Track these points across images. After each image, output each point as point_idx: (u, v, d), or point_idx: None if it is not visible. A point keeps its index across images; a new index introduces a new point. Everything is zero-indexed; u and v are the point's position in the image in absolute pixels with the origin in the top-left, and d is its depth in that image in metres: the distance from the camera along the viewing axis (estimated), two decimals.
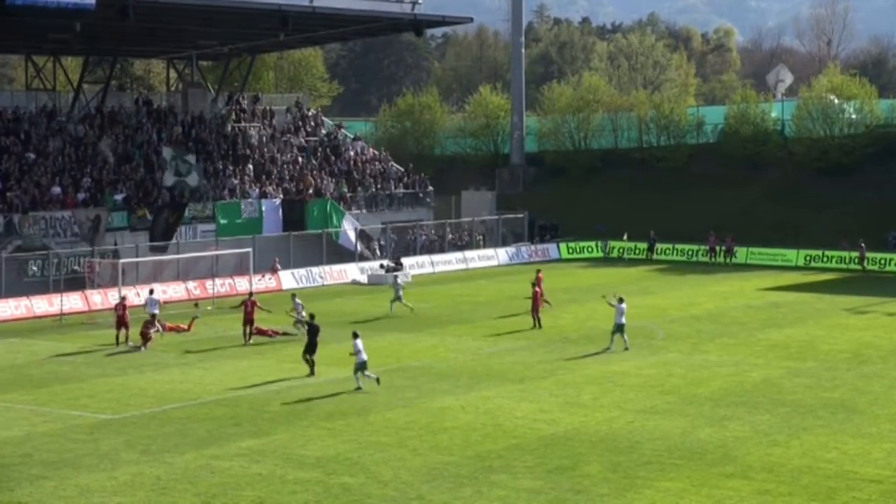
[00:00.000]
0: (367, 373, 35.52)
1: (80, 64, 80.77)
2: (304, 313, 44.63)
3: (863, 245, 67.79)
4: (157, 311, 45.17)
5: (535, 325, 47.19)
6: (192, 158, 67.42)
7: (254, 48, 78.76)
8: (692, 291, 59.29)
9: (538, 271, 51.84)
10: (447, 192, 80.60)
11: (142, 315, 45.32)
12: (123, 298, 45.74)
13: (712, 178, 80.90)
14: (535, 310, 47.43)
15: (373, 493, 25.03)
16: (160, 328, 44.96)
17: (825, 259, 69.40)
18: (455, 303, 55.88)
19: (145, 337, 43.35)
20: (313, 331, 38.11)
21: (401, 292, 51.76)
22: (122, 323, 43.82)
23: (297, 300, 46.13)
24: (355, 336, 35.80)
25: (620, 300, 42.35)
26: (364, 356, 35.34)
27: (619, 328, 42.09)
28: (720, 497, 24.65)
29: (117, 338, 43.84)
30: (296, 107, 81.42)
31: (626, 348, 41.95)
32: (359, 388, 35.24)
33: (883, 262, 68.03)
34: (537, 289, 47.95)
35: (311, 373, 37.57)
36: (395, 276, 55.31)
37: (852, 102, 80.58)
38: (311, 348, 37.80)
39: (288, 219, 68.40)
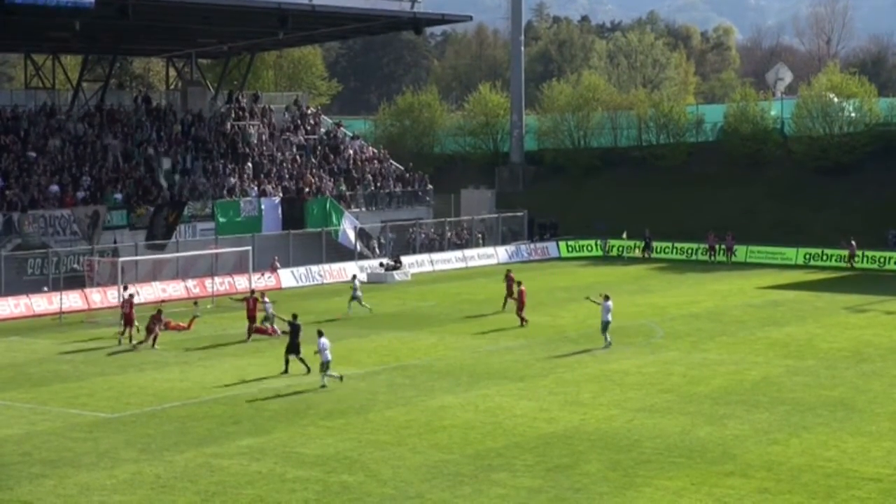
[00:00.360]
0: (330, 372, 35.55)
1: (79, 62, 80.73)
2: (272, 311, 44.77)
3: (853, 243, 67.85)
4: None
5: (521, 324, 47.29)
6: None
7: (253, 46, 78.76)
8: (692, 290, 59.27)
9: (509, 271, 52.38)
10: (447, 191, 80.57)
11: (144, 314, 45.30)
12: (131, 296, 45.73)
13: (712, 176, 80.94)
14: (520, 308, 47.55)
15: (372, 492, 25.03)
16: (162, 325, 44.87)
17: (825, 258, 69.37)
18: (455, 301, 55.86)
19: (150, 331, 43.30)
20: (295, 330, 38.00)
21: (359, 293, 51.55)
22: (128, 320, 43.83)
23: (266, 299, 46.07)
24: (320, 334, 35.87)
25: (606, 298, 42.39)
26: (328, 355, 35.40)
27: (605, 326, 42.13)
28: (719, 495, 24.65)
29: (122, 334, 43.79)
30: (295, 105, 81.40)
31: (605, 346, 42.00)
32: (323, 387, 35.31)
33: (882, 260, 68.05)
34: (522, 287, 47.99)
35: (307, 370, 37.51)
36: (354, 276, 55.14)
37: (852, 101, 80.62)
38: (293, 348, 37.69)
39: (287, 217, 68.37)
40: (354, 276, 55.01)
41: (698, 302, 54.76)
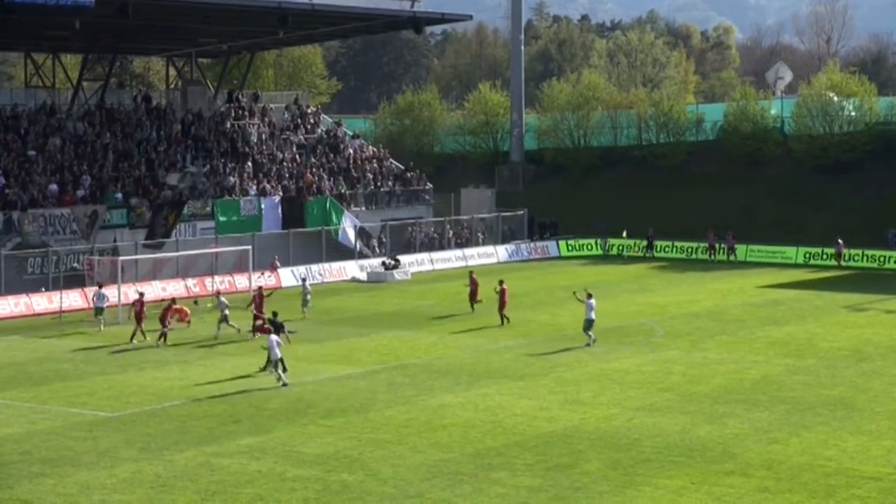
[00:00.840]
0: (276, 369, 35.55)
1: (79, 61, 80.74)
2: (227, 312, 44.81)
3: (840, 242, 67.86)
4: (103, 305, 46.58)
5: (502, 322, 47.46)
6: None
7: (253, 46, 78.76)
8: (692, 289, 59.26)
9: (471, 272, 52.83)
10: (447, 190, 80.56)
11: (153, 311, 45.39)
12: (141, 295, 45.82)
13: (712, 175, 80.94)
14: (502, 307, 47.69)
15: (372, 491, 25.03)
16: (172, 316, 44.93)
17: (825, 257, 69.33)
18: (454, 300, 55.74)
19: (163, 322, 43.38)
20: (276, 328, 38.37)
21: (308, 296, 51.26)
22: (139, 319, 43.89)
23: (223, 299, 46.03)
24: (269, 332, 35.97)
25: (589, 296, 42.43)
26: (278, 353, 35.45)
27: (588, 324, 42.14)
28: (719, 494, 24.65)
29: (140, 333, 43.84)
30: (295, 104, 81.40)
31: (589, 345, 42.03)
32: (284, 384, 35.30)
33: (882, 259, 68.03)
34: (504, 287, 48.03)
35: (264, 368, 37.63)
36: (304, 280, 55.08)
37: (852, 100, 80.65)
38: None
39: (287, 216, 68.38)
40: (304, 280, 55.08)
41: (698, 301, 54.75)
